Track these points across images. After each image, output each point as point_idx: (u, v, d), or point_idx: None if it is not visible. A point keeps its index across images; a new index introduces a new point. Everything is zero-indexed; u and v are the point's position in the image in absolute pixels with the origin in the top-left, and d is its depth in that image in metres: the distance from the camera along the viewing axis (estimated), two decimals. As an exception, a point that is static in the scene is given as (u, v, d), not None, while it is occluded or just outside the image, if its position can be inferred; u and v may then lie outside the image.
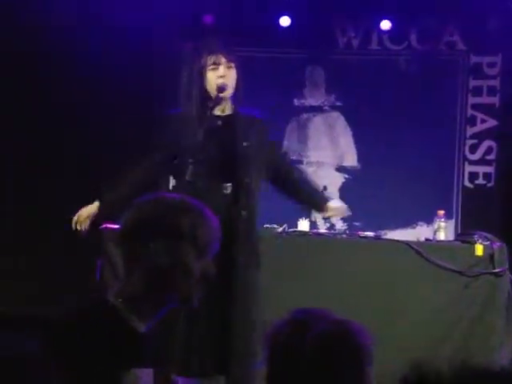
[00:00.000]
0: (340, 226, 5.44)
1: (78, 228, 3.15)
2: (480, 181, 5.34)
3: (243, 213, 2.97)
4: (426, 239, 4.20)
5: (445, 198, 5.28)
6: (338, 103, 5.57)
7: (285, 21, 5.34)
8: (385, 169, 5.33)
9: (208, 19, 5.35)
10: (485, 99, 5.39)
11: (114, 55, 5.08)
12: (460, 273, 3.86)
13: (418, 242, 4.08)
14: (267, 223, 4.24)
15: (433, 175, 5.31)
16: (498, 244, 3.89)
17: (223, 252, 2.81)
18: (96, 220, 3.24)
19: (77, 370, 1.51)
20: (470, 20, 5.27)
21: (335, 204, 3.44)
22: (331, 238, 4.31)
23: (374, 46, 5.52)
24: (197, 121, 2.97)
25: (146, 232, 1.62)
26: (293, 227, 4.37)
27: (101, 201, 3.19)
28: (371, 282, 3.93)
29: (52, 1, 5.02)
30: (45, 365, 1.56)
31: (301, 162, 5.59)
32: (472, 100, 5.41)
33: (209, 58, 3.03)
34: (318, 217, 5.50)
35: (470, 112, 5.41)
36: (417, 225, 5.31)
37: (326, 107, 5.60)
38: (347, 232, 4.86)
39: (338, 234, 4.58)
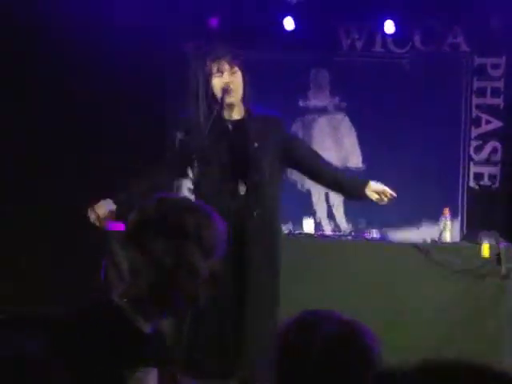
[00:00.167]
0: (345, 227, 5.44)
1: (98, 225, 3.10)
2: (485, 182, 5.33)
3: (255, 213, 2.96)
4: (432, 240, 4.20)
5: (450, 198, 5.27)
6: (343, 105, 5.58)
7: (289, 23, 5.35)
8: (389, 169, 5.31)
9: (213, 22, 5.37)
10: (489, 100, 5.39)
11: (116, 56, 5.09)
12: (466, 273, 3.86)
13: (425, 243, 4.08)
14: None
15: (438, 176, 5.31)
16: (505, 244, 3.89)
17: (235, 253, 2.84)
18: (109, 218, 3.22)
19: (79, 371, 1.51)
20: (474, 21, 5.27)
21: (377, 185, 3.31)
22: (337, 239, 4.31)
23: (378, 48, 5.52)
24: (204, 125, 2.98)
25: (151, 232, 1.62)
26: (297, 225, 4.38)
27: (115, 200, 3.17)
28: (377, 284, 3.93)
29: (53, 1, 5.04)
30: (46, 365, 1.57)
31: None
32: (476, 101, 5.41)
33: (213, 65, 3.04)
34: (322, 217, 5.51)
35: (474, 113, 5.41)
36: (422, 225, 5.31)
37: (331, 109, 5.61)
38: (353, 233, 4.86)
39: (344, 235, 4.58)
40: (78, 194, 5.13)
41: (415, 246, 3.95)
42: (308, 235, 4.28)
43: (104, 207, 3.04)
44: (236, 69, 3.04)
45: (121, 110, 5.13)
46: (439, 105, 5.39)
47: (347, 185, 3.22)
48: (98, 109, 5.18)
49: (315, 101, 5.62)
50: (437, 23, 5.35)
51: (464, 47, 5.42)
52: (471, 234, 4.31)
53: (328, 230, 5.30)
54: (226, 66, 3.03)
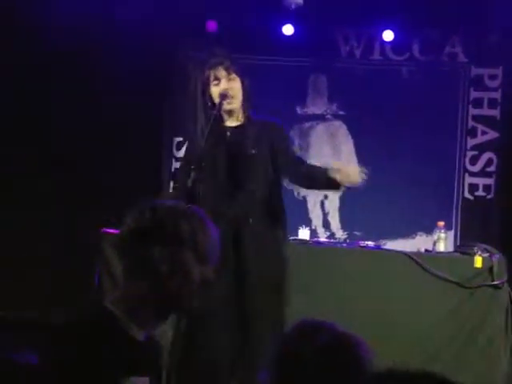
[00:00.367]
0: (340, 234, 5.46)
1: None
2: (480, 192, 5.35)
3: (250, 220, 2.95)
4: (426, 250, 4.21)
5: (445, 208, 5.30)
6: (341, 112, 5.59)
7: (288, 29, 5.36)
8: (386, 178, 5.33)
9: (211, 26, 5.38)
10: (486, 111, 5.41)
11: (115, 61, 5.09)
12: (459, 284, 3.87)
13: (418, 253, 4.09)
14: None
15: (433, 186, 5.33)
16: (497, 256, 3.89)
17: (231, 262, 2.82)
18: None
19: (71, 378, 1.51)
20: (472, 32, 5.30)
21: (338, 163, 3.16)
22: (331, 247, 4.32)
23: (377, 55, 5.54)
24: (202, 133, 2.98)
25: (146, 238, 1.63)
26: (293, 235, 4.39)
27: None
28: (370, 292, 3.94)
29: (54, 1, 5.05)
30: (41, 373, 1.57)
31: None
32: (473, 111, 5.43)
33: (210, 72, 3.04)
34: (318, 225, 5.53)
35: (470, 123, 5.43)
36: (416, 235, 5.33)
37: (329, 116, 5.62)
38: (347, 241, 4.87)
39: (339, 243, 4.59)
40: (72, 202, 5.16)
41: (408, 256, 3.96)
42: (303, 242, 4.28)
43: None
44: (233, 75, 3.03)
45: (120, 114, 5.13)
46: (436, 114, 5.41)
47: (320, 177, 3.02)
48: (97, 109, 5.19)
49: (313, 108, 5.63)
50: (435, 33, 5.38)
51: (461, 57, 5.45)
52: (465, 244, 4.31)
53: (323, 237, 5.31)
54: (223, 73, 3.02)
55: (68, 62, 5.13)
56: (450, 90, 5.45)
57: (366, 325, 3.68)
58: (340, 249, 4.23)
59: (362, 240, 4.46)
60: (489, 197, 5.33)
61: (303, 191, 5.59)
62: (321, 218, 5.54)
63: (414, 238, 5.31)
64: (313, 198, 5.58)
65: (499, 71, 5.38)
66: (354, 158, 5.56)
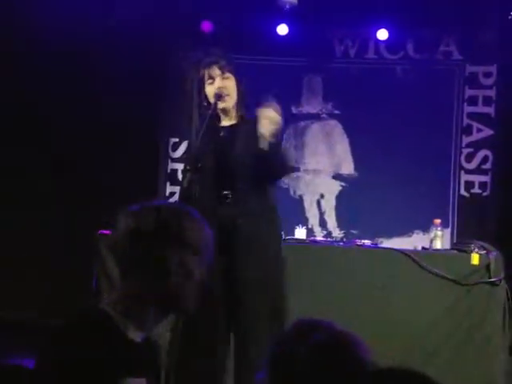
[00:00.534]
0: (337, 233, 5.46)
1: None
2: (476, 190, 5.36)
3: (239, 221, 2.93)
4: (423, 248, 4.22)
5: (441, 206, 5.30)
6: (336, 111, 5.60)
7: (282, 29, 5.37)
8: (381, 177, 5.35)
9: (206, 26, 5.38)
10: (481, 109, 5.42)
11: (111, 58, 5.10)
12: (456, 282, 3.87)
13: (415, 251, 4.10)
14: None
15: (429, 184, 5.34)
16: (494, 253, 3.90)
17: (221, 264, 2.80)
18: None
19: (69, 380, 1.51)
20: (466, 30, 5.31)
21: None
22: (328, 246, 4.32)
23: (371, 55, 5.55)
24: (197, 132, 2.97)
25: (149, 238, 1.63)
26: (290, 235, 4.39)
27: None
28: (367, 290, 3.94)
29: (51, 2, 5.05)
30: (39, 375, 1.57)
31: (298, 170, 5.61)
32: (468, 109, 5.44)
33: (205, 71, 3.04)
34: (314, 224, 5.53)
35: (465, 121, 5.44)
36: (413, 233, 5.34)
37: (324, 115, 5.63)
38: (344, 240, 4.87)
39: (335, 241, 4.59)
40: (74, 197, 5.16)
41: (405, 254, 3.96)
42: (299, 241, 4.29)
43: None
44: (228, 74, 3.03)
45: (115, 114, 5.13)
46: (431, 112, 5.42)
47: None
48: (92, 109, 5.19)
49: (308, 107, 5.64)
50: (429, 31, 5.38)
51: (456, 55, 5.46)
52: (461, 242, 4.32)
53: (320, 236, 5.32)
54: (218, 72, 3.02)
55: (64, 62, 5.13)
56: (444, 88, 5.46)
57: (363, 323, 3.68)
58: (337, 248, 4.23)
59: (359, 239, 4.46)
60: (485, 194, 5.34)
61: (299, 190, 5.60)
62: (317, 217, 5.55)
63: (410, 236, 5.32)
64: (309, 197, 5.59)
65: (494, 69, 5.39)
66: (349, 157, 5.56)
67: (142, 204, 1.71)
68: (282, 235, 3.17)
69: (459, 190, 5.38)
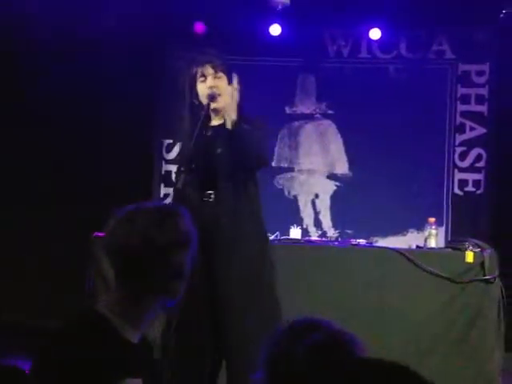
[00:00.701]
0: (332, 233, 5.47)
1: None
2: (469, 188, 5.38)
3: (223, 220, 2.91)
4: (417, 246, 4.23)
5: (435, 205, 5.32)
6: (329, 111, 5.61)
7: (275, 30, 5.37)
8: (376, 176, 5.36)
9: (199, 27, 5.38)
10: (473, 107, 5.44)
11: (104, 59, 5.11)
12: (451, 280, 3.88)
13: (410, 250, 4.10)
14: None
15: (423, 182, 5.35)
16: (489, 251, 3.91)
17: (204, 265, 2.78)
18: None
19: (68, 381, 1.51)
20: (459, 29, 5.32)
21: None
22: (323, 245, 4.32)
23: (364, 54, 5.56)
24: (188, 132, 2.97)
25: (138, 241, 1.64)
26: (284, 235, 4.40)
27: None
28: (363, 289, 3.94)
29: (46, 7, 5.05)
30: (37, 376, 1.57)
31: (292, 170, 5.62)
32: (461, 108, 5.46)
33: (197, 70, 3.03)
34: (309, 224, 5.54)
35: (459, 120, 5.46)
36: (407, 232, 5.35)
37: (318, 115, 5.63)
38: (339, 239, 4.88)
39: (330, 241, 4.59)
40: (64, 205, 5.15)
41: (400, 253, 3.97)
42: (294, 241, 4.29)
43: None
44: (221, 74, 3.02)
45: (109, 116, 5.13)
46: (424, 111, 5.43)
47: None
48: (85, 110, 5.19)
49: (302, 107, 5.65)
50: (422, 31, 5.40)
51: (449, 54, 5.47)
52: (456, 240, 4.33)
53: (315, 236, 5.33)
54: (210, 71, 3.01)
55: (60, 62, 5.13)
56: (437, 86, 5.48)
57: (359, 322, 3.69)
58: (332, 247, 4.23)
59: (354, 238, 4.47)
60: (478, 192, 5.36)
61: (294, 190, 5.61)
62: (312, 216, 5.55)
63: (405, 234, 5.33)
64: (304, 197, 5.60)
65: (486, 67, 5.41)
66: (343, 157, 5.57)
67: (136, 205, 1.71)
68: (267, 235, 3.13)
69: (453, 189, 5.40)
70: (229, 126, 2.89)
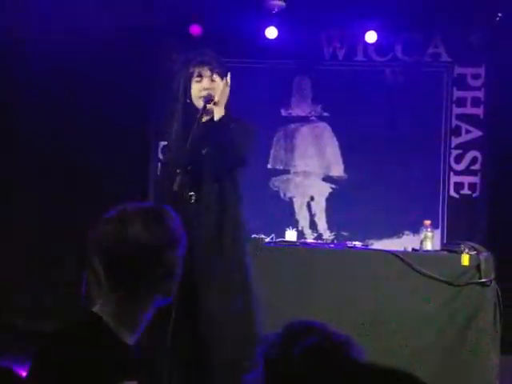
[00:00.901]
0: (327, 235, 5.47)
1: None
2: (465, 191, 5.39)
3: (202, 220, 2.88)
4: (413, 249, 4.23)
5: (431, 207, 5.32)
6: (325, 113, 5.61)
7: (271, 32, 5.37)
8: (371, 179, 5.36)
9: (195, 29, 5.38)
10: (469, 110, 5.45)
11: (102, 62, 5.10)
12: (447, 283, 3.88)
13: (405, 252, 4.10)
14: (255, 233, 4.26)
15: (419, 185, 5.36)
16: (485, 254, 3.91)
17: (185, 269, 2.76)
18: None
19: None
20: (454, 32, 5.33)
21: None
22: (319, 248, 4.32)
23: (360, 57, 5.57)
24: (179, 130, 2.96)
25: (130, 243, 1.63)
26: (280, 237, 4.39)
27: None
28: (358, 292, 3.94)
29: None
30: (34, 379, 1.56)
31: (288, 172, 5.62)
32: (456, 111, 5.47)
33: (195, 69, 3.02)
34: (305, 226, 5.54)
35: (454, 122, 5.47)
36: (403, 234, 5.35)
37: (313, 117, 5.64)
38: (335, 242, 4.88)
39: (326, 244, 4.59)
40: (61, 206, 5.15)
41: (396, 255, 3.97)
42: (290, 243, 4.29)
43: None
44: (216, 76, 3.01)
45: (105, 118, 5.13)
46: (420, 114, 5.44)
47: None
48: (80, 112, 5.19)
49: (298, 110, 5.65)
50: (418, 33, 5.40)
51: (444, 57, 5.48)
52: (452, 243, 4.33)
53: (310, 238, 5.32)
54: (208, 73, 3.00)
55: (55, 66, 5.12)
56: (433, 89, 5.49)
57: (354, 325, 3.69)
58: (327, 250, 4.23)
59: (349, 240, 4.47)
60: (474, 195, 5.37)
61: (290, 192, 5.61)
62: (307, 219, 5.55)
63: (400, 237, 5.33)
64: (299, 199, 5.60)
65: (482, 70, 5.42)
66: (339, 159, 5.57)
67: (125, 206, 1.70)
68: (245, 236, 3.10)
69: (449, 191, 5.41)
70: (216, 117, 2.89)
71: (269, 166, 5.62)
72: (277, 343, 1.43)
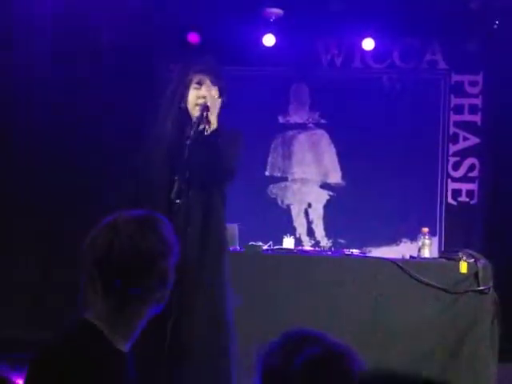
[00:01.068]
0: (325, 243, 5.46)
1: None
2: (463, 198, 5.39)
3: (188, 229, 2.87)
4: (411, 257, 4.22)
5: (428, 214, 5.32)
6: (323, 121, 5.61)
7: (269, 40, 5.38)
8: (369, 186, 5.36)
9: (193, 37, 5.38)
10: (467, 117, 5.46)
11: (100, 71, 5.10)
12: (445, 290, 3.88)
13: (403, 260, 4.10)
14: (252, 240, 4.26)
15: (416, 192, 5.36)
16: (483, 261, 3.90)
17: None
18: None
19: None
20: (452, 39, 5.34)
21: None
22: (317, 255, 4.31)
23: (357, 64, 5.57)
24: (176, 138, 2.95)
25: (123, 251, 1.63)
26: (277, 244, 4.39)
27: None
28: (356, 300, 3.93)
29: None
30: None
31: (285, 179, 5.62)
32: (454, 118, 5.47)
33: (195, 76, 3.01)
34: (302, 233, 5.53)
35: (452, 130, 5.47)
36: (401, 242, 5.35)
37: (311, 124, 5.64)
38: (332, 249, 4.87)
39: (323, 251, 4.58)
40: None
41: (394, 263, 3.96)
42: (288, 250, 4.28)
43: None
44: (214, 88, 3.01)
45: (103, 124, 5.13)
46: (417, 121, 5.45)
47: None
48: (79, 119, 5.19)
49: (295, 117, 5.65)
50: (415, 41, 5.41)
51: (442, 64, 5.49)
52: (450, 250, 4.32)
53: (308, 246, 5.32)
54: (207, 82, 3.01)
55: (51, 73, 5.13)
56: (430, 96, 5.49)
57: (352, 333, 3.68)
58: (325, 257, 4.22)
59: (347, 248, 4.46)
60: (472, 202, 5.37)
61: (287, 200, 5.61)
62: (305, 226, 5.55)
63: (398, 244, 5.33)
64: (297, 206, 5.59)
65: (479, 77, 5.43)
66: (336, 167, 5.57)
67: (119, 213, 1.70)
68: (227, 245, 3.10)
69: (446, 198, 5.41)
70: (208, 131, 2.89)
71: (266, 174, 5.62)
72: (276, 353, 1.42)
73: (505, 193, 5.11)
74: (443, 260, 4.11)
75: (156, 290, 1.67)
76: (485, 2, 4.99)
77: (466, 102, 5.46)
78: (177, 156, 2.89)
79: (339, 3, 5.06)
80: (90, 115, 5.14)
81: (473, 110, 5.44)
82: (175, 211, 2.84)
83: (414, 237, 5.09)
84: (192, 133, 2.88)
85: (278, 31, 5.34)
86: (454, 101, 5.48)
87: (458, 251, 4.03)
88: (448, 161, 5.45)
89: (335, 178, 5.56)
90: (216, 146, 2.89)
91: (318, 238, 5.52)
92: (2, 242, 5.15)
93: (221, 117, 2.98)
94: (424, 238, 4.15)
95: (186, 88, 3.01)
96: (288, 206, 5.59)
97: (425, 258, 4.09)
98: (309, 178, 5.61)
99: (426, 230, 4.16)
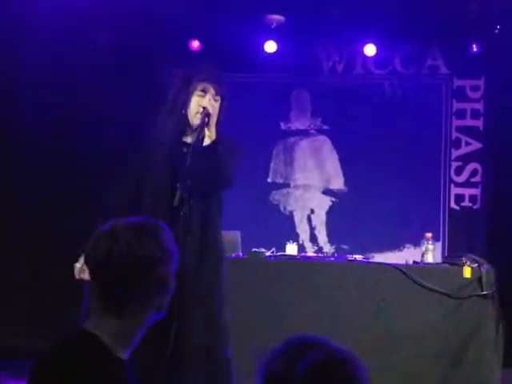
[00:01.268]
0: (328, 248, 5.46)
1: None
2: (466, 203, 5.38)
3: (188, 238, 2.85)
4: (414, 262, 4.21)
5: (431, 220, 5.32)
6: (325, 127, 5.62)
7: (270, 46, 5.39)
8: (371, 191, 5.36)
9: (194, 44, 5.39)
10: (469, 122, 5.45)
11: (101, 78, 5.11)
12: (448, 295, 3.87)
13: (407, 265, 4.09)
14: (255, 247, 4.26)
15: (419, 198, 5.35)
16: (486, 266, 3.90)
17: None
18: None
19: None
20: (453, 44, 5.34)
21: None
22: (320, 261, 4.31)
23: (359, 70, 5.58)
24: (176, 145, 2.96)
25: (122, 259, 1.62)
26: (280, 251, 4.38)
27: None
28: (359, 306, 3.93)
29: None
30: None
31: (287, 185, 5.61)
32: (456, 123, 5.47)
33: (199, 84, 3.01)
34: (305, 239, 5.52)
35: (454, 135, 5.47)
36: (404, 247, 5.34)
37: (313, 131, 5.64)
38: (335, 255, 4.87)
39: (327, 257, 4.58)
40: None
41: (397, 268, 3.96)
42: (291, 256, 4.28)
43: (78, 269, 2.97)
44: (218, 97, 3.02)
45: (102, 131, 5.13)
46: (419, 126, 5.44)
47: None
48: (77, 125, 5.19)
49: (297, 123, 5.65)
50: (416, 46, 5.42)
51: (443, 69, 5.49)
52: (453, 255, 4.32)
53: (311, 252, 5.31)
54: (212, 91, 3.01)
55: (49, 78, 5.14)
56: (432, 102, 5.49)
57: (356, 339, 3.67)
58: (328, 263, 4.22)
59: (350, 253, 4.46)
60: (475, 207, 5.36)
61: (290, 206, 5.60)
62: (308, 232, 5.54)
63: (401, 250, 5.32)
64: (299, 212, 5.59)
65: (481, 82, 5.43)
66: (339, 172, 5.57)
67: (117, 220, 1.70)
68: (224, 253, 3.08)
69: (449, 203, 5.40)
70: (207, 142, 2.89)
71: (269, 180, 5.62)
72: (278, 359, 1.41)
73: (507, 198, 5.10)
74: (447, 265, 4.10)
75: (155, 297, 1.66)
76: (485, 7, 4.99)
77: (467, 106, 5.46)
78: (177, 161, 2.90)
79: (340, 9, 5.07)
80: (90, 115, 5.15)
81: (475, 114, 5.44)
82: (176, 218, 2.84)
83: (417, 242, 5.09)
84: (193, 140, 2.88)
85: (280, 38, 5.35)
86: (456, 106, 5.48)
87: (461, 256, 4.02)
88: (450, 166, 5.44)
89: (337, 183, 5.56)
90: (216, 156, 2.89)
91: (320, 244, 5.51)
92: (2, 242, 5.16)
93: (222, 124, 2.99)
94: (427, 243, 4.15)
95: (189, 95, 3.01)
96: (291, 213, 5.59)
97: (428, 263, 4.09)
98: (311, 184, 5.61)
99: (429, 235, 4.15)
